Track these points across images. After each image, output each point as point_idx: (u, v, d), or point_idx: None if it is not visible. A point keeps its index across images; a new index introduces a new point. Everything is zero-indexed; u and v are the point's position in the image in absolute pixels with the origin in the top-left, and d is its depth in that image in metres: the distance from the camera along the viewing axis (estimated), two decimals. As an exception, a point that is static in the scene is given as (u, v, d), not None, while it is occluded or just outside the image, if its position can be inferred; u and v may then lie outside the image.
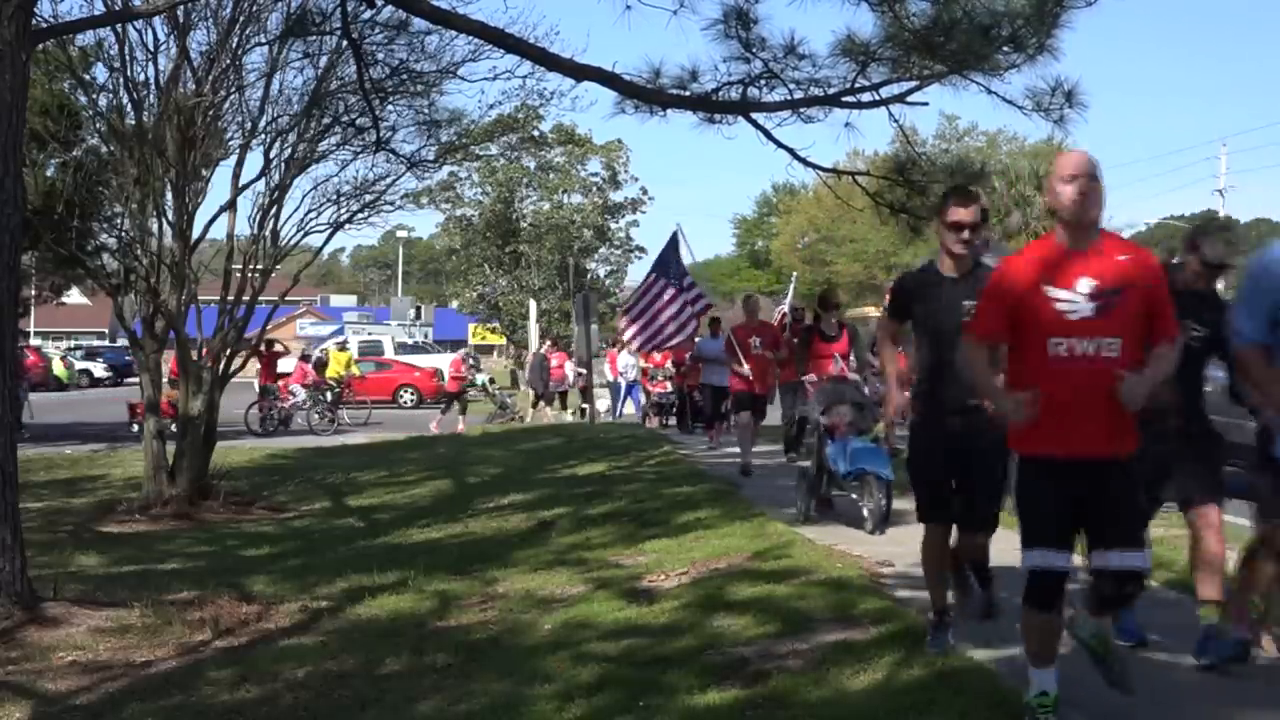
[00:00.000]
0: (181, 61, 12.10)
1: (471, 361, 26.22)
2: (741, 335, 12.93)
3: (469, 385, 25.27)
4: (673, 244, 16.38)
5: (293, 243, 13.93)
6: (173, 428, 12.91)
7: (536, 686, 5.11)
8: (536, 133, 28.28)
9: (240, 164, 13.02)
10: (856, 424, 9.13)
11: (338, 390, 25.00)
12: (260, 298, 13.47)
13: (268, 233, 13.25)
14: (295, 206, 14.17)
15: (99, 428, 22.41)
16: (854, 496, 9.07)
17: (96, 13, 11.45)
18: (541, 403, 26.24)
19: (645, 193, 48.13)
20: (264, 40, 12.65)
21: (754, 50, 8.01)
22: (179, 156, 12.10)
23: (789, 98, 8.27)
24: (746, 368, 12.58)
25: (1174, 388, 4.83)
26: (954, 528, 5.38)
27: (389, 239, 75.38)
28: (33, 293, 28.61)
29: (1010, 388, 4.20)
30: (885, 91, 8.23)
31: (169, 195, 12.45)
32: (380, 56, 12.43)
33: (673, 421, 21.11)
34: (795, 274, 28.17)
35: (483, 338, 56.11)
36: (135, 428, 18.61)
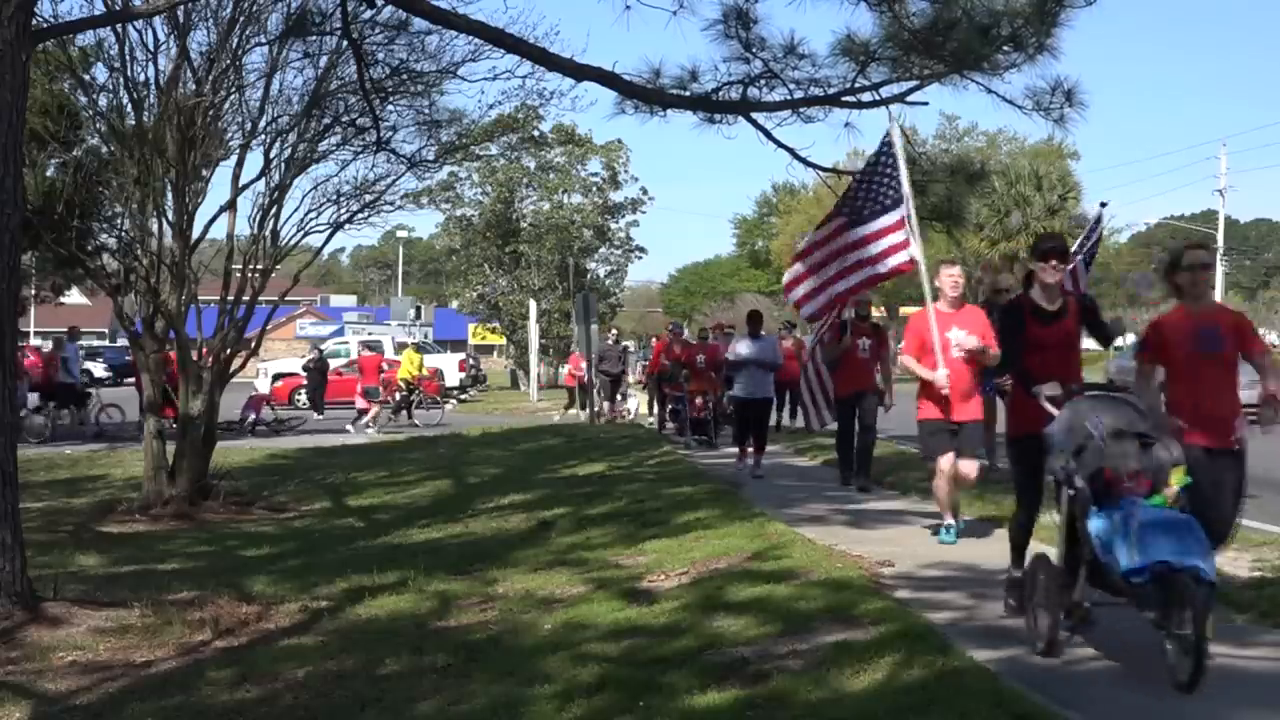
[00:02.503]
0: (181, 61, 12.10)
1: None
2: (940, 323, 8.46)
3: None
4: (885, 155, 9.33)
5: (293, 243, 13.93)
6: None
7: (536, 686, 5.11)
8: (536, 133, 28.25)
9: (240, 164, 13.05)
10: (1147, 474, 5.12)
11: (408, 392, 25.01)
12: (260, 298, 13.47)
13: (268, 233, 13.26)
14: (295, 206, 14.20)
15: (99, 427, 22.42)
16: (1147, 614, 4.91)
17: (96, 13, 11.48)
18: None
19: (645, 193, 48.23)
20: (264, 40, 12.67)
21: (754, 50, 8.02)
22: (179, 156, 12.10)
23: (789, 98, 8.28)
24: (943, 374, 8.26)
25: None
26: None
27: (389, 239, 75.42)
28: (33, 293, 28.62)
29: None
30: (885, 91, 8.26)
31: (169, 195, 12.46)
32: (380, 56, 12.46)
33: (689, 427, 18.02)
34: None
35: (483, 338, 56.15)
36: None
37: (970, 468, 8.50)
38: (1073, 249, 10.26)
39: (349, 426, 23.39)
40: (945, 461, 8.38)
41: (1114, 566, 4.89)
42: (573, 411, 24.63)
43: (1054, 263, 5.86)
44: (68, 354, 22.69)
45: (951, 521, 8.57)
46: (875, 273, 9.15)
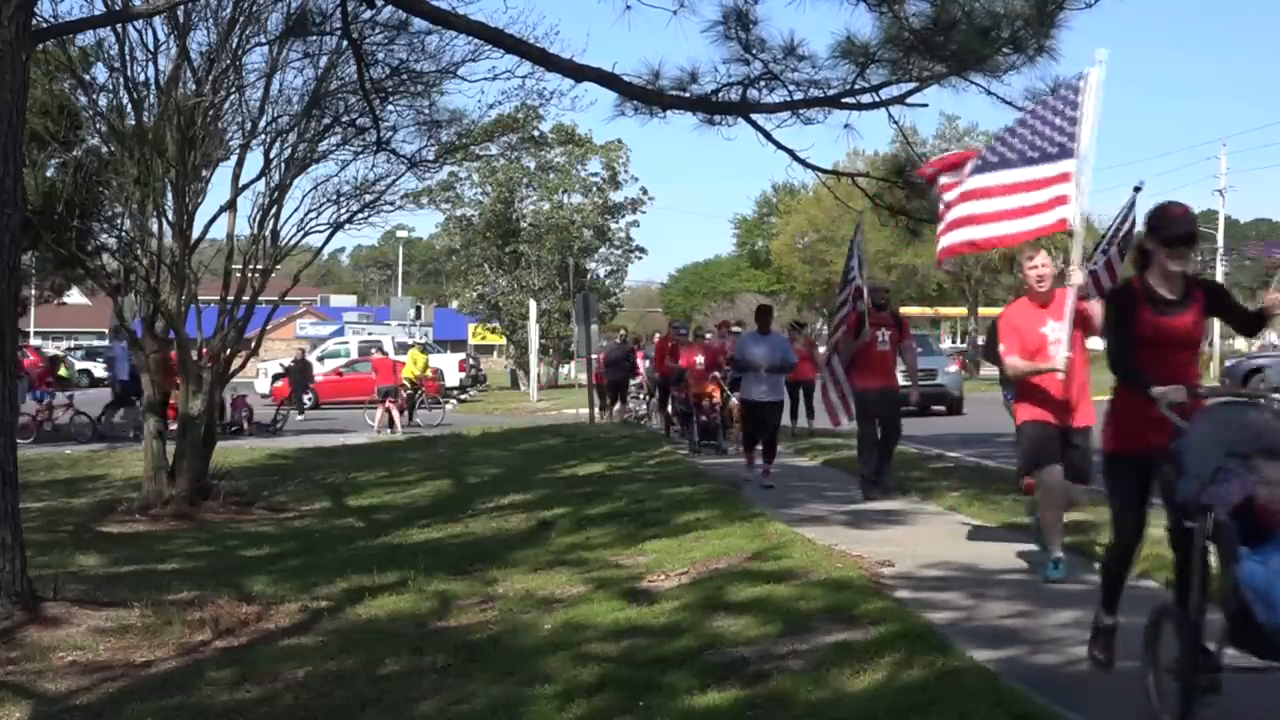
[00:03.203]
0: (181, 61, 12.11)
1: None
2: (1033, 319, 7.01)
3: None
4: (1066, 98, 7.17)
5: (293, 243, 13.96)
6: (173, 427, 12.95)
7: (536, 686, 5.12)
8: (536, 133, 28.27)
9: (240, 164, 13.08)
10: None
11: (412, 391, 25.25)
12: (260, 298, 13.49)
13: (268, 233, 13.28)
14: (295, 206, 14.21)
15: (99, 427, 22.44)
16: None
17: (96, 13, 11.48)
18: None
19: (645, 193, 48.25)
20: (264, 40, 12.69)
21: (754, 51, 8.03)
22: (179, 156, 12.11)
23: (789, 99, 8.29)
24: (1063, 357, 6.66)
25: None
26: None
27: (389, 239, 75.36)
28: (33, 293, 28.66)
29: None
30: (885, 93, 8.26)
31: (169, 195, 12.47)
32: (380, 56, 12.47)
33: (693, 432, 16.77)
34: None
35: (483, 338, 56.16)
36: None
37: (1080, 492, 7.08)
38: (1102, 243, 9.69)
39: (385, 429, 23.86)
40: (1053, 475, 6.86)
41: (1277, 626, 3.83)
42: (618, 408, 24.66)
43: (1182, 249, 4.69)
44: (114, 353, 22.73)
45: (1060, 555, 6.89)
46: (1038, 224, 7.21)
